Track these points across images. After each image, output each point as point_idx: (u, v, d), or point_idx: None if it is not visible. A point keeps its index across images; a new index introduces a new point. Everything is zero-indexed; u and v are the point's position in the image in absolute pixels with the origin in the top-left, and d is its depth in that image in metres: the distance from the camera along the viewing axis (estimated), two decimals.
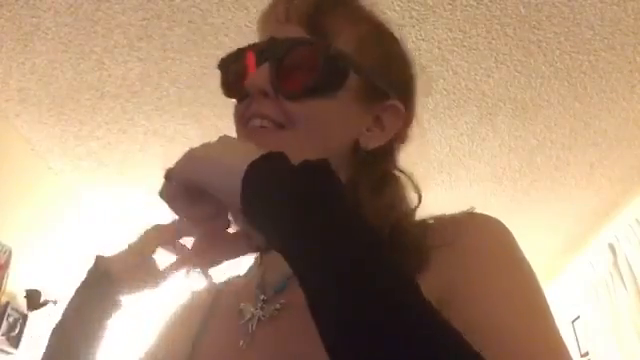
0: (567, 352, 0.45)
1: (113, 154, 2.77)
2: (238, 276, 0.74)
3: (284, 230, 0.42)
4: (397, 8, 1.90)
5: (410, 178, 0.66)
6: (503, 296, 0.47)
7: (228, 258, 0.61)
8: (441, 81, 2.25)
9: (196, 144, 0.53)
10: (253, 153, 0.48)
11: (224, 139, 0.53)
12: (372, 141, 0.64)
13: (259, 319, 0.58)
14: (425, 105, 2.39)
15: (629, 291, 2.97)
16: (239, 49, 0.64)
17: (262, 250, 0.65)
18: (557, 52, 2.10)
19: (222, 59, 0.66)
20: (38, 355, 0.66)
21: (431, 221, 0.60)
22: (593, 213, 3.20)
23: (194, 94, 2.33)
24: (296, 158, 0.51)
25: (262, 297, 0.60)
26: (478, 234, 0.54)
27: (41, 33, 2.02)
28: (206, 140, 0.53)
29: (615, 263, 3.13)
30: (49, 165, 2.87)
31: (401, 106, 0.65)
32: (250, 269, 0.73)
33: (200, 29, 1.99)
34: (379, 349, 0.34)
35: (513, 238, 0.55)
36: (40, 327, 2.64)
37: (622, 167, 2.82)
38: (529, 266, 0.52)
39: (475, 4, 1.89)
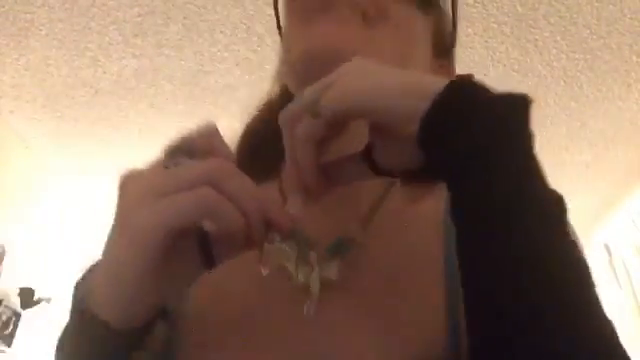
0: None
1: (108, 151, 2.76)
2: None
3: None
4: None
5: None
6: None
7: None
8: None
9: None
10: (421, 77, 0.40)
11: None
12: None
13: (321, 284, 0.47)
14: None
15: (624, 291, 2.97)
16: None
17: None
18: (554, 51, 2.10)
19: None
20: (31, 353, 0.62)
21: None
22: (589, 213, 3.20)
23: (189, 91, 2.32)
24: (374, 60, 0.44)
25: (315, 256, 0.48)
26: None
27: (35, 29, 2.01)
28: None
29: (610, 263, 3.14)
30: (43, 162, 2.86)
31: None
32: None
33: (196, 26, 1.98)
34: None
35: None
36: (34, 325, 2.63)
37: (618, 167, 2.82)
38: None
39: (472, 2, 1.89)
